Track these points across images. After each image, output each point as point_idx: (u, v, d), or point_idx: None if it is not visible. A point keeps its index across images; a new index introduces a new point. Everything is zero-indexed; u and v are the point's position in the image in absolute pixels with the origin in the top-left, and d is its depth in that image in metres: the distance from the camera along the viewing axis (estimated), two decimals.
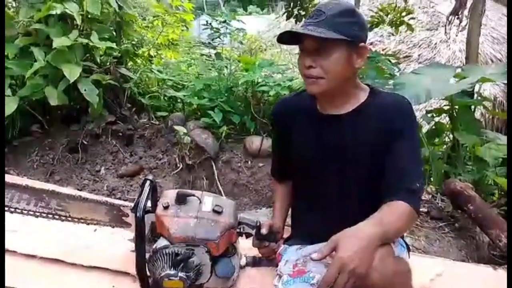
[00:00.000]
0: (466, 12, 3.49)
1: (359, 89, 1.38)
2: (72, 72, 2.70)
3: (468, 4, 3.57)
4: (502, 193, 2.60)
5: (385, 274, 1.11)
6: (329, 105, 1.37)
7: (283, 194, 1.64)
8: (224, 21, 3.79)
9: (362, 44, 1.29)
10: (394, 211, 1.18)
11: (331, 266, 1.03)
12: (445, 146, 3.16)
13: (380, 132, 1.29)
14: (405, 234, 1.64)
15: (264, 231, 1.51)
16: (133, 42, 3.62)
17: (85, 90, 2.82)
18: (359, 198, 1.28)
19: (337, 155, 1.37)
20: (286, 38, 1.32)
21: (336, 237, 1.07)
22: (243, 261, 1.64)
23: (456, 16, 3.58)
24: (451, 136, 3.02)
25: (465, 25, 3.58)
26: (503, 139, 2.91)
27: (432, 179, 2.92)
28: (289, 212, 1.65)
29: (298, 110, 1.46)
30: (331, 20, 1.24)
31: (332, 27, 1.23)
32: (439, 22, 7.09)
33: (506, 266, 1.89)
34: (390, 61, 3.69)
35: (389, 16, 4.47)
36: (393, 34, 6.42)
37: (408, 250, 1.48)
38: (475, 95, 3.13)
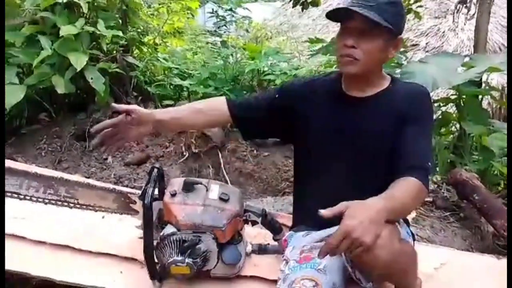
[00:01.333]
0: (474, 0, 3.45)
1: (382, 77, 1.44)
2: (79, 61, 2.71)
3: None
4: (507, 183, 2.59)
5: (393, 252, 1.13)
6: (355, 87, 1.42)
7: (209, 105, 1.56)
8: (230, 9, 3.77)
9: (400, 36, 1.35)
10: (404, 187, 1.21)
11: (336, 232, 1.04)
12: (451, 136, 3.15)
13: (398, 117, 1.34)
14: (410, 223, 1.65)
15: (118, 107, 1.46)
16: (139, 30, 3.62)
17: (91, 78, 2.83)
18: (372, 183, 1.28)
19: (355, 137, 1.40)
20: (330, 13, 1.35)
21: (346, 203, 1.08)
22: (248, 249, 1.65)
23: (464, 5, 3.54)
24: (457, 125, 3.00)
25: (474, 14, 3.54)
26: None
27: (438, 168, 2.92)
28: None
29: (320, 88, 1.49)
30: (382, 6, 1.28)
31: (381, 13, 1.27)
32: (447, 10, 7.00)
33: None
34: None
35: None
36: None
37: (414, 239, 1.50)
38: (483, 85, 3.10)
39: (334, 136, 1.43)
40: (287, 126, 1.54)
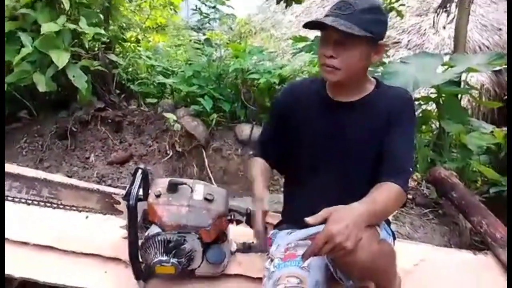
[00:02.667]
0: (454, 5, 3.52)
1: (367, 81, 1.45)
2: (60, 58, 2.67)
3: None
4: (485, 179, 2.67)
5: (372, 253, 1.17)
6: (339, 92, 1.44)
7: (264, 168, 1.60)
8: (214, 7, 3.75)
9: (382, 41, 1.35)
10: (383, 192, 1.24)
11: (319, 236, 1.09)
12: (431, 134, 3.21)
13: (382, 122, 1.37)
14: (391, 221, 1.69)
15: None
16: (121, 25, 3.57)
17: (73, 76, 2.79)
18: (358, 185, 1.30)
19: (342, 142, 1.42)
20: (310, 23, 1.37)
21: (329, 209, 1.12)
22: (233, 247, 1.67)
23: (444, 9, 3.61)
24: (437, 123, 3.07)
25: (453, 19, 3.62)
26: (488, 127, 2.98)
27: (418, 166, 2.99)
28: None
29: (307, 94, 1.51)
30: (359, 15, 1.28)
31: (359, 23, 1.27)
32: (429, 8, 7.11)
33: (485, 251, 1.97)
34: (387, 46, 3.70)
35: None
36: None
37: (394, 238, 1.54)
38: (462, 84, 3.17)
39: (321, 141, 1.46)
40: None
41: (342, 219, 1.09)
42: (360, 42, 1.29)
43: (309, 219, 1.10)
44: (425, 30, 6.82)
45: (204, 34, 3.83)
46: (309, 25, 1.37)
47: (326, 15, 1.33)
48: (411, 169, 1.35)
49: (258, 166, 1.60)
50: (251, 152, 3.02)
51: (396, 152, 1.33)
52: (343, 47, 1.30)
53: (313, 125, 1.47)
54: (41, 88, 2.72)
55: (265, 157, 1.63)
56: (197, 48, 3.69)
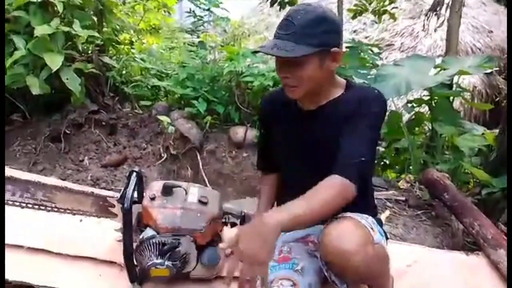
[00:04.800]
0: (444, 9, 3.56)
1: (335, 86, 1.43)
2: (54, 61, 2.66)
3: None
4: (477, 181, 2.69)
5: (366, 258, 1.19)
6: (307, 102, 1.44)
7: (269, 186, 1.68)
8: (208, 9, 3.76)
9: (335, 49, 1.31)
10: (320, 190, 1.22)
11: (232, 257, 1.13)
12: (424, 136, 3.24)
13: (345, 121, 1.34)
14: (383, 222, 1.71)
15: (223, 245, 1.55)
16: (115, 28, 3.57)
17: (67, 79, 2.78)
18: None
19: (312, 148, 1.43)
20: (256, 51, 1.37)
21: (239, 230, 1.15)
22: (228, 250, 1.68)
23: (435, 13, 3.65)
24: (430, 126, 3.09)
25: (443, 21, 3.66)
26: (480, 129, 3.02)
27: (411, 168, 3.01)
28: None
29: (281, 105, 1.51)
30: (300, 31, 1.25)
31: (302, 40, 1.24)
32: (422, 10, 7.16)
33: (477, 252, 1.99)
34: (372, 50, 3.74)
35: (372, 4, 4.52)
36: (376, 22, 6.47)
37: (386, 238, 1.56)
38: (454, 86, 3.21)
39: (293, 148, 1.48)
40: None
41: (250, 235, 1.10)
42: (308, 58, 1.26)
43: (222, 245, 1.13)
44: (417, 32, 6.87)
45: (198, 37, 3.83)
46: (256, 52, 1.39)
47: (274, 37, 1.31)
48: (362, 159, 1.28)
49: (262, 188, 1.71)
50: (244, 155, 3.11)
51: (347, 145, 1.30)
52: (292, 66, 1.28)
53: (285, 135, 1.50)
54: (35, 91, 2.71)
55: (267, 172, 1.69)
56: (191, 51, 3.69)
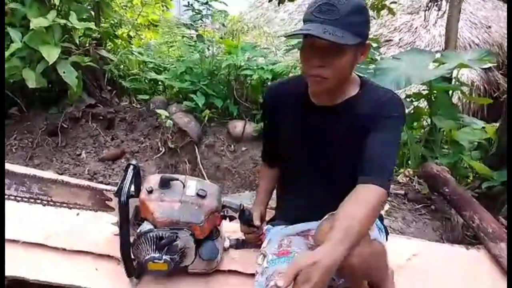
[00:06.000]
0: (444, 1, 3.54)
1: (352, 83, 1.39)
2: (50, 54, 2.64)
3: None
4: (477, 175, 2.69)
5: (362, 258, 1.18)
6: (323, 96, 1.39)
7: (269, 178, 1.67)
8: (206, 3, 3.73)
9: (368, 42, 1.29)
10: (362, 203, 1.19)
11: None
12: (423, 130, 3.23)
13: (364, 123, 1.31)
14: (384, 217, 1.70)
15: (258, 222, 1.56)
16: (112, 22, 3.55)
17: (64, 72, 2.77)
18: (343, 185, 1.28)
19: (323, 144, 1.40)
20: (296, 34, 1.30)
21: (298, 265, 1.08)
22: (226, 244, 1.68)
23: (436, 3, 3.63)
24: (429, 120, 3.08)
25: (444, 12, 3.64)
26: (479, 123, 3.01)
27: (410, 162, 3.00)
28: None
29: (290, 96, 1.46)
30: (346, 19, 1.18)
31: (347, 28, 1.19)
32: (420, 6, 7.14)
33: (477, 246, 1.98)
34: (371, 45, 3.72)
35: (371, 0, 4.50)
36: (374, 18, 6.44)
37: (386, 233, 1.54)
38: (453, 80, 3.20)
39: (302, 143, 1.44)
40: None
41: (310, 278, 1.06)
42: (349, 48, 1.21)
43: (280, 283, 1.06)
44: (416, 28, 6.85)
45: (196, 31, 3.81)
46: (294, 34, 1.31)
47: (309, 20, 1.23)
48: (392, 168, 1.31)
49: (262, 179, 1.70)
50: (243, 148, 3.09)
51: (379, 152, 1.28)
52: (331, 55, 1.21)
53: (294, 127, 1.45)
54: (31, 84, 2.70)
55: (272, 163, 1.67)
56: (190, 45, 3.67)
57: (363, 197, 1.21)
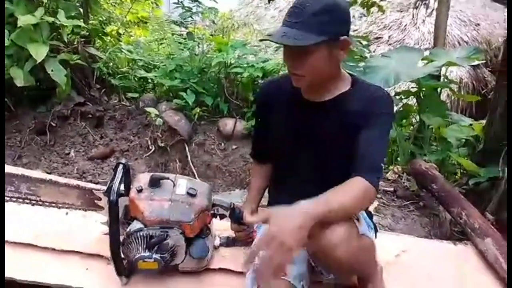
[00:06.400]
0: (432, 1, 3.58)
1: (341, 79, 1.41)
2: (38, 52, 2.62)
3: None
4: (464, 171, 2.73)
5: (349, 251, 1.19)
6: (312, 92, 1.41)
7: (260, 176, 1.68)
8: (196, 0, 3.72)
9: (344, 37, 1.29)
10: (348, 189, 1.22)
11: (260, 239, 1.08)
12: (412, 127, 3.26)
13: (355, 120, 1.33)
14: (373, 214, 1.72)
15: (249, 219, 1.54)
16: (101, 19, 3.52)
17: (52, 70, 2.75)
18: (335, 183, 1.28)
19: (314, 140, 1.42)
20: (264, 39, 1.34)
21: (271, 211, 1.12)
22: (217, 242, 1.69)
23: (424, 2, 3.66)
24: (417, 117, 3.12)
25: (432, 11, 3.67)
26: (467, 121, 3.05)
27: (399, 159, 3.03)
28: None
29: (282, 93, 1.48)
30: (311, 19, 1.22)
31: (312, 28, 1.22)
32: (410, 3, 7.19)
33: (465, 242, 2.02)
34: (361, 43, 3.75)
35: None
36: (364, 15, 6.48)
37: (375, 230, 1.56)
38: (442, 78, 3.23)
39: (294, 140, 1.46)
40: None
41: (283, 220, 1.08)
42: (318, 46, 1.24)
43: (249, 218, 1.07)
44: (405, 25, 6.90)
45: (186, 28, 3.79)
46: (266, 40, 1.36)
47: (282, 24, 1.29)
48: (382, 164, 1.32)
49: (254, 177, 1.72)
50: (233, 147, 3.10)
51: (369, 149, 1.31)
52: (301, 54, 1.26)
53: (286, 124, 1.47)
54: (19, 82, 2.67)
55: (261, 161, 1.68)
56: (179, 42, 3.66)
57: (350, 187, 1.23)
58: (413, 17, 3.93)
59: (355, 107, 1.35)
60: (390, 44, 6.62)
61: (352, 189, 1.23)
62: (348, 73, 1.45)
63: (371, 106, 1.34)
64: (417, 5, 3.77)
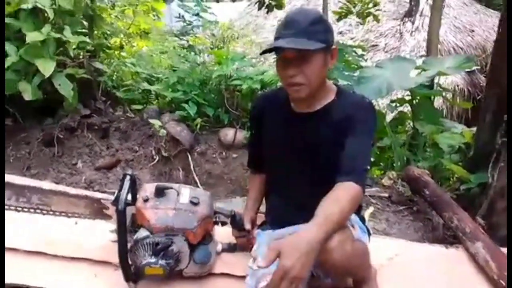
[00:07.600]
0: (418, 15, 3.67)
1: (327, 89, 1.50)
2: (46, 67, 2.70)
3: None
4: (457, 177, 2.80)
5: (344, 255, 1.26)
6: (302, 104, 1.49)
7: (258, 185, 1.75)
8: (197, 14, 3.82)
9: (334, 46, 1.41)
10: (341, 197, 1.27)
11: (275, 274, 1.10)
12: (406, 134, 3.34)
13: (341, 127, 1.41)
14: (367, 219, 1.79)
15: (248, 227, 1.64)
16: (106, 33, 3.62)
17: (59, 84, 2.83)
18: (328, 188, 1.34)
19: (303, 150, 1.50)
20: (267, 50, 1.40)
21: (278, 245, 1.12)
22: (219, 248, 1.75)
23: (410, 18, 3.74)
24: (412, 124, 3.19)
25: (417, 28, 3.76)
26: (459, 127, 3.13)
27: (394, 165, 3.11)
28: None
29: (274, 106, 1.57)
30: (307, 29, 1.33)
31: (312, 36, 1.33)
32: (405, 12, 7.29)
33: (456, 245, 2.08)
34: (356, 52, 3.84)
35: (356, 7, 4.62)
36: (361, 24, 6.58)
37: (369, 234, 1.63)
38: (435, 86, 3.31)
39: (287, 152, 1.54)
40: None
41: (294, 252, 1.10)
42: (316, 54, 1.34)
43: (261, 263, 1.11)
44: (401, 33, 6.97)
45: (187, 41, 3.89)
46: (267, 51, 1.41)
47: (278, 37, 1.37)
48: (367, 167, 1.40)
49: (251, 187, 1.78)
50: (234, 155, 3.17)
51: (353, 154, 1.38)
52: (303, 63, 1.34)
53: (278, 136, 1.55)
54: (27, 97, 2.75)
55: (257, 171, 1.75)
56: (180, 55, 3.75)
57: (340, 195, 1.29)
58: (403, 24, 4.01)
59: (341, 115, 1.43)
60: (386, 52, 6.70)
61: (344, 196, 1.28)
62: (334, 84, 1.54)
63: (355, 114, 1.42)
64: (403, 20, 3.86)
